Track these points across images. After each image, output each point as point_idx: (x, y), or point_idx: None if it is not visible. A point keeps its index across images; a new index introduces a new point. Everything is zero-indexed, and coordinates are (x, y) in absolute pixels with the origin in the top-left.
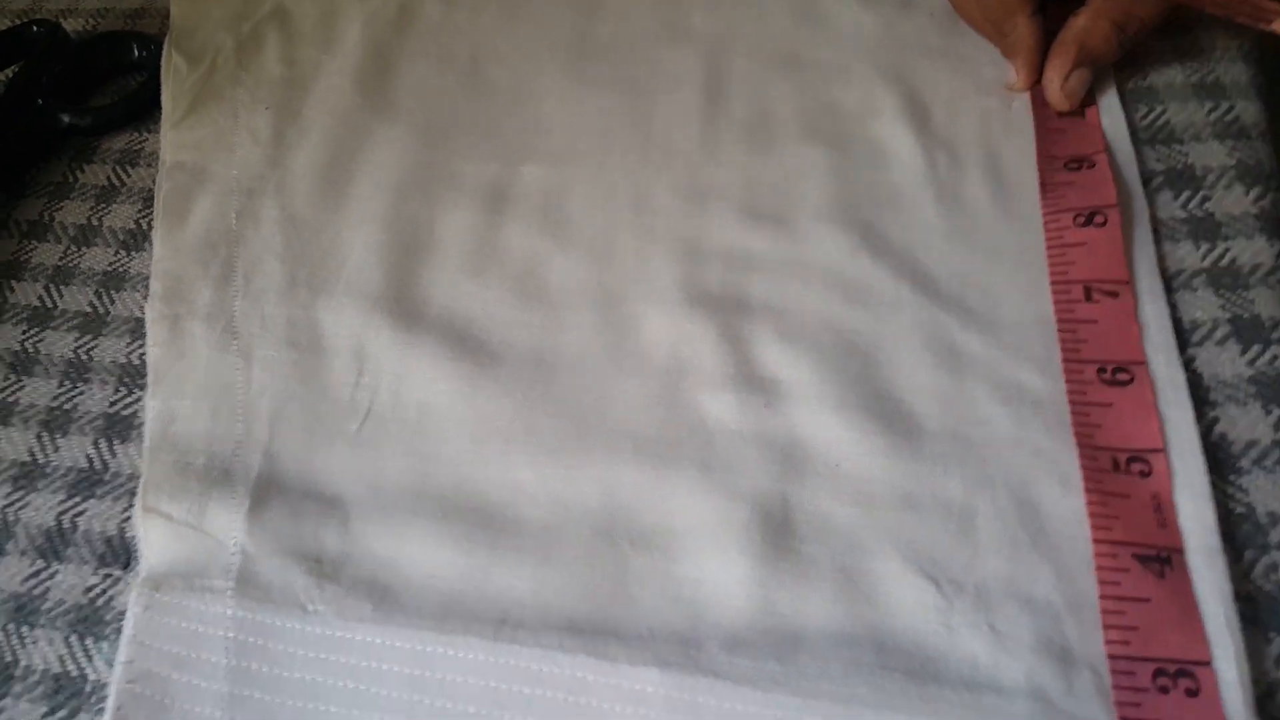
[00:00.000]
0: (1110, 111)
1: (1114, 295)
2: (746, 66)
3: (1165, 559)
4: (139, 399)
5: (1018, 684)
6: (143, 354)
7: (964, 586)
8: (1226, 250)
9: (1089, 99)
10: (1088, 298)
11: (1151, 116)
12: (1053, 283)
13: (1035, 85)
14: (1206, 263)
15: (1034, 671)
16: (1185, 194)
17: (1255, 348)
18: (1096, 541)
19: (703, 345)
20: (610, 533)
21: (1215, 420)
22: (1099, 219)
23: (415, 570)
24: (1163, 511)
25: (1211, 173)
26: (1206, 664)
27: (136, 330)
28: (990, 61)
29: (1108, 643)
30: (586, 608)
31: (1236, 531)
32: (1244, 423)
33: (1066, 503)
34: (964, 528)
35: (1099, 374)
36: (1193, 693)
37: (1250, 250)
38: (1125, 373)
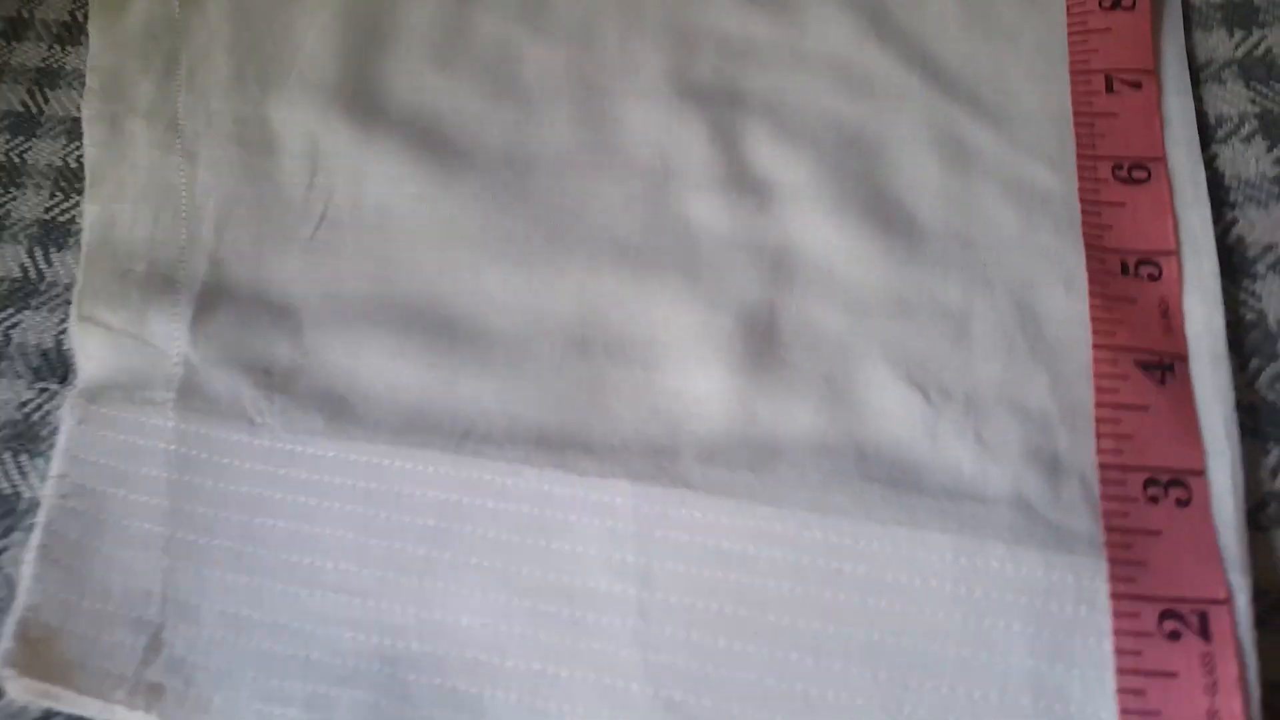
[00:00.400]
0: None
1: (1136, 86)
2: None
3: (1168, 366)
4: (76, 204)
5: (1002, 493)
6: (79, 156)
7: (953, 394)
8: (1263, 39)
9: None
10: (1109, 88)
11: None
12: (1072, 72)
13: None
14: (1240, 52)
15: (1020, 480)
16: None
17: None
18: (1097, 347)
19: (692, 143)
20: (585, 343)
21: (1234, 221)
22: (1126, 2)
23: (373, 382)
24: (1169, 316)
25: None
26: (1200, 473)
27: (73, 131)
28: None
29: (1100, 451)
30: (557, 420)
31: (1245, 338)
32: (1263, 225)
33: (1069, 307)
34: (959, 333)
35: (1114, 171)
36: (1183, 502)
37: None
38: (1142, 170)
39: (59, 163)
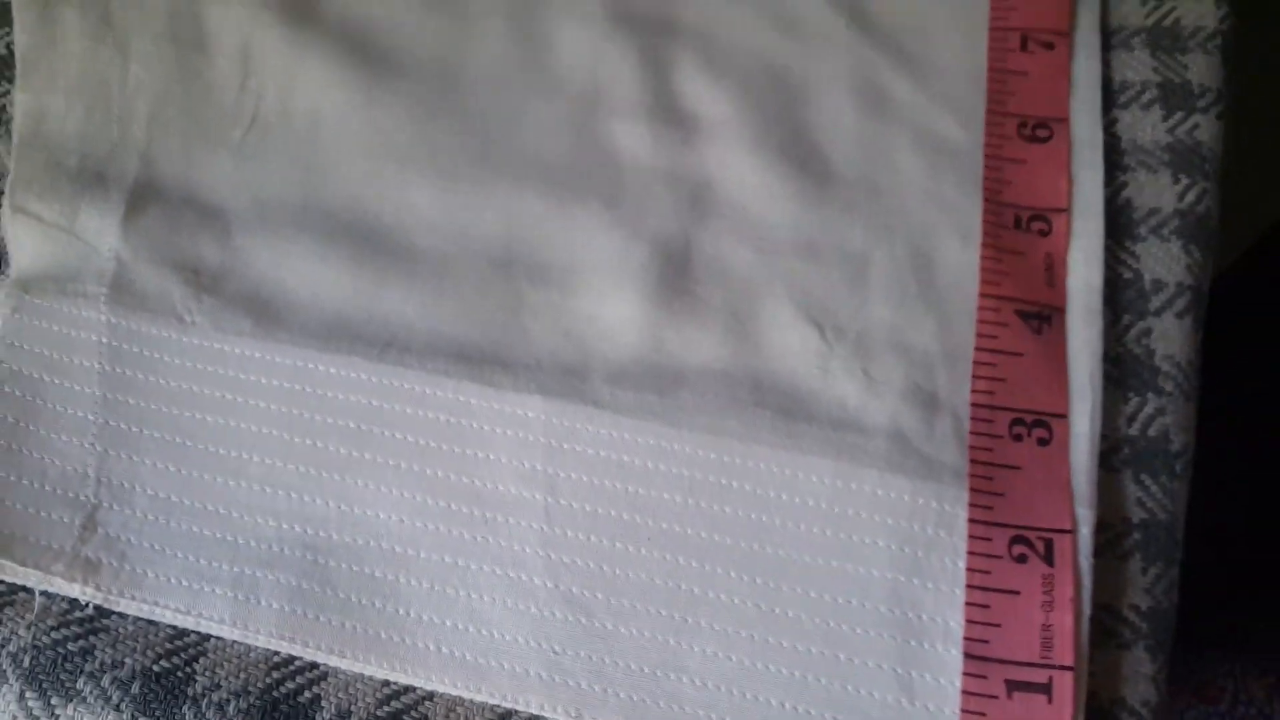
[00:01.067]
0: None
1: (1049, 47)
2: None
3: (1046, 316)
4: (6, 91)
5: (880, 425)
6: (9, 42)
7: (846, 333)
8: (1173, 9)
9: None
10: (1023, 47)
11: None
12: (991, 29)
13: None
14: (1150, 20)
15: (898, 414)
16: None
17: (1179, 114)
18: (983, 295)
19: (622, 69)
20: (507, 263)
21: (1124, 185)
22: None
23: (299, 287)
24: (1053, 270)
25: None
26: (1063, 416)
27: (3, 16)
28: None
29: (974, 392)
30: (476, 336)
31: (1120, 295)
32: (1151, 189)
33: (962, 256)
34: (858, 276)
35: (1019, 129)
36: (1044, 441)
37: (1196, 11)
38: (1045, 129)
39: None
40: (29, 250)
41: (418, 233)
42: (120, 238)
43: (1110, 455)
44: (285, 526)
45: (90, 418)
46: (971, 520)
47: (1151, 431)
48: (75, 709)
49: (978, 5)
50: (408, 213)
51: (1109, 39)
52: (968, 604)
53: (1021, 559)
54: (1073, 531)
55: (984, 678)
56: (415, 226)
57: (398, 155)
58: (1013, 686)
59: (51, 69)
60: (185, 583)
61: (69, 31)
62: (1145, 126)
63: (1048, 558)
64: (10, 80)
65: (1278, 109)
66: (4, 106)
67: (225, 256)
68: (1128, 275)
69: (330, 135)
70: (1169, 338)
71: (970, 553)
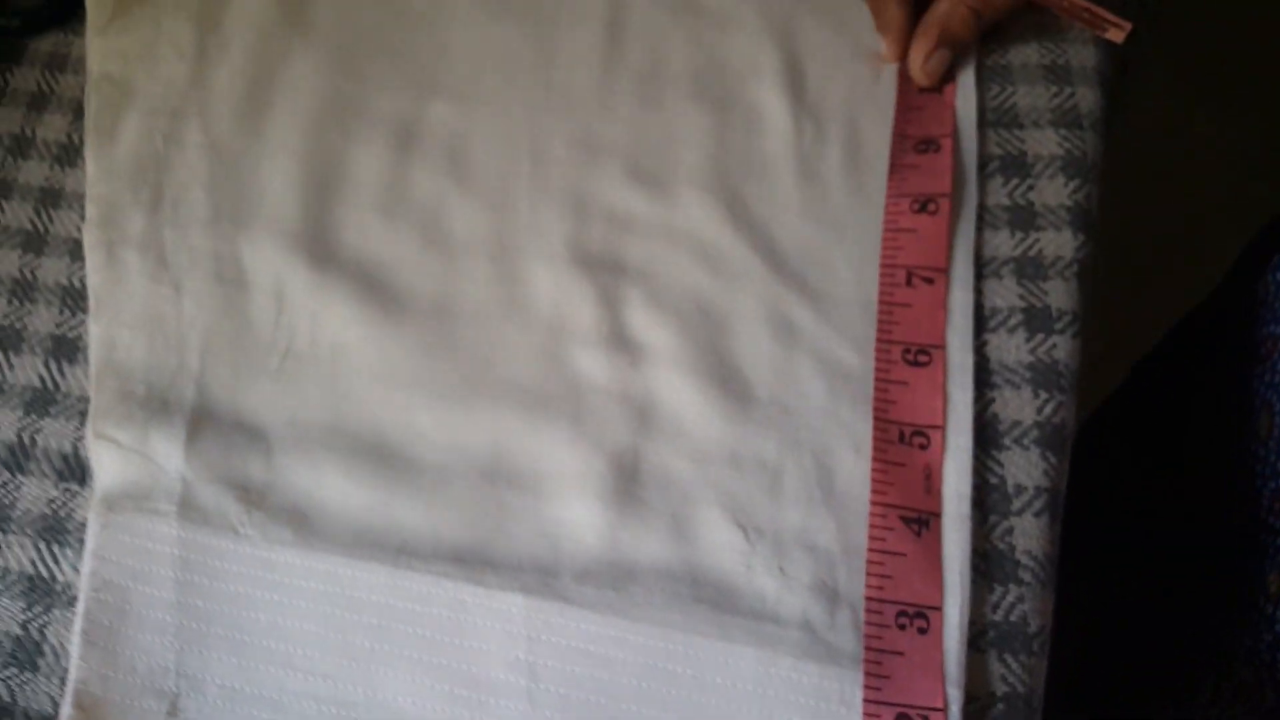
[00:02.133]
0: (965, 91)
1: (930, 281)
2: (647, 7)
3: (925, 521)
4: (82, 321)
5: (793, 617)
6: (83, 276)
7: (765, 534)
8: (1036, 241)
9: (949, 75)
10: (908, 282)
11: (1001, 98)
12: (882, 266)
13: (903, 59)
14: (1017, 252)
15: (807, 607)
16: (1014, 181)
17: (1039, 336)
18: (873, 503)
19: (582, 304)
20: (493, 474)
21: (991, 400)
22: (931, 207)
23: (329, 501)
24: (931, 480)
25: (1041, 161)
26: (938, 608)
27: (75, 251)
28: (870, 28)
29: (867, 587)
30: (469, 539)
31: (987, 499)
32: (1014, 404)
33: (857, 467)
34: (773, 484)
35: (904, 355)
36: (923, 630)
37: (1056, 242)
38: (925, 355)
39: (65, 281)
40: (111, 471)
41: (422, 449)
42: (184, 460)
43: (978, 638)
44: (325, 709)
45: (168, 619)
46: (866, 700)
47: (1013, 617)
48: None
49: (871, 245)
50: (412, 433)
51: (982, 269)
52: None
53: None
54: (944, 709)
55: None
56: (419, 443)
57: (404, 382)
58: None
59: (118, 303)
60: None
61: (131, 271)
62: (1010, 348)
63: None
64: (84, 310)
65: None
66: (80, 335)
67: (269, 474)
68: (994, 480)
69: (350, 365)
70: (1028, 534)
71: None
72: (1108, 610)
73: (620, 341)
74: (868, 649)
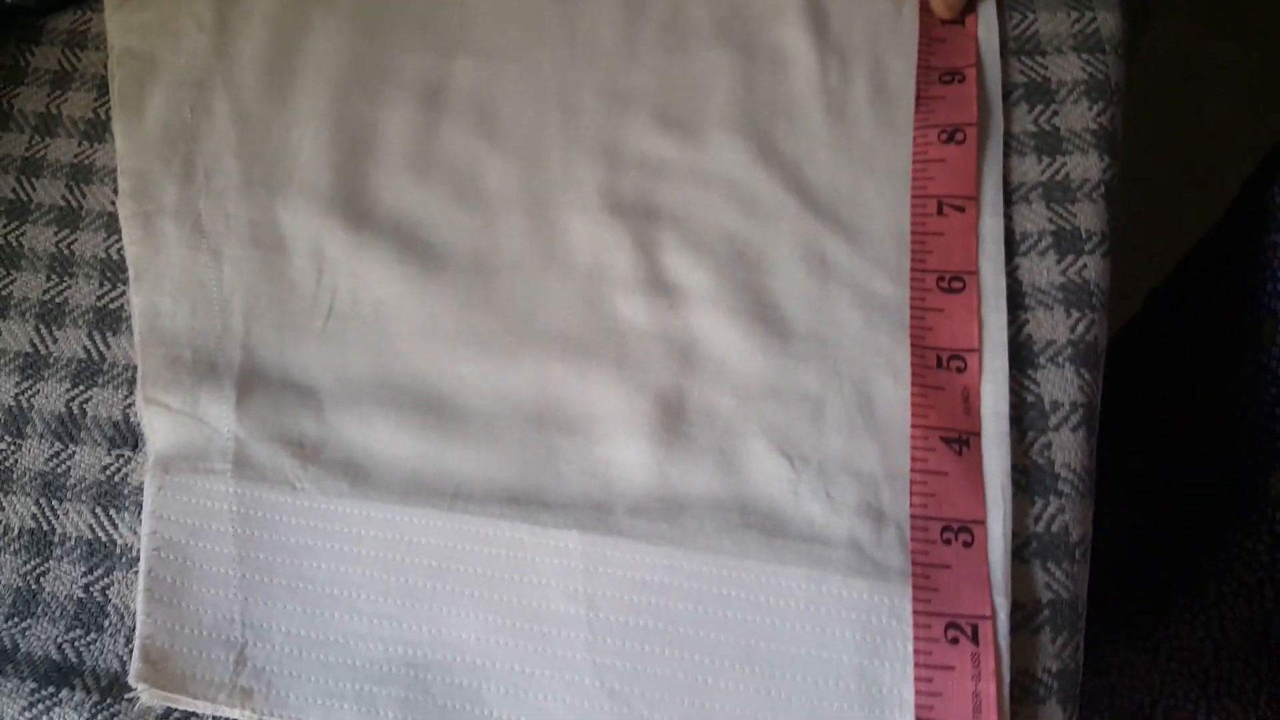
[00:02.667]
0: (987, 21)
1: (961, 210)
2: None
3: (965, 440)
4: (123, 293)
5: (842, 537)
6: (120, 248)
7: (810, 461)
8: (1063, 165)
9: (970, 6)
10: (939, 211)
11: (1023, 26)
12: (913, 196)
13: None
14: (1045, 177)
15: (854, 527)
16: (1039, 108)
17: (1070, 257)
18: (914, 426)
19: (619, 251)
20: (541, 420)
21: (1025, 322)
22: (959, 136)
23: (382, 452)
24: (969, 401)
25: (1064, 86)
26: (981, 522)
27: (111, 225)
28: None
29: (912, 505)
30: (522, 482)
31: (1024, 416)
32: (1048, 324)
33: (896, 394)
34: (815, 414)
35: (938, 282)
36: (968, 544)
37: (1083, 165)
38: (959, 281)
39: (103, 254)
40: (163, 435)
41: (469, 399)
42: (235, 420)
43: (1021, 549)
44: (391, 649)
45: (231, 573)
46: (915, 612)
47: (1054, 527)
48: None
49: (902, 175)
50: (459, 383)
51: (1010, 195)
52: (916, 679)
53: (954, 641)
54: (992, 617)
55: None
56: (467, 394)
57: (447, 335)
58: None
59: (158, 273)
60: (319, 701)
61: (169, 241)
62: (1042, 270)
63: (974, 639)
64: (125, 282)
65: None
66: (122, 306)
67: (321, 430)
68: (1030, 399)
69: (393, 321)
70: (1066, 448)
71: (915, 638)
72: (1121, 520)
73: (658, 285)
74: (915, 564)
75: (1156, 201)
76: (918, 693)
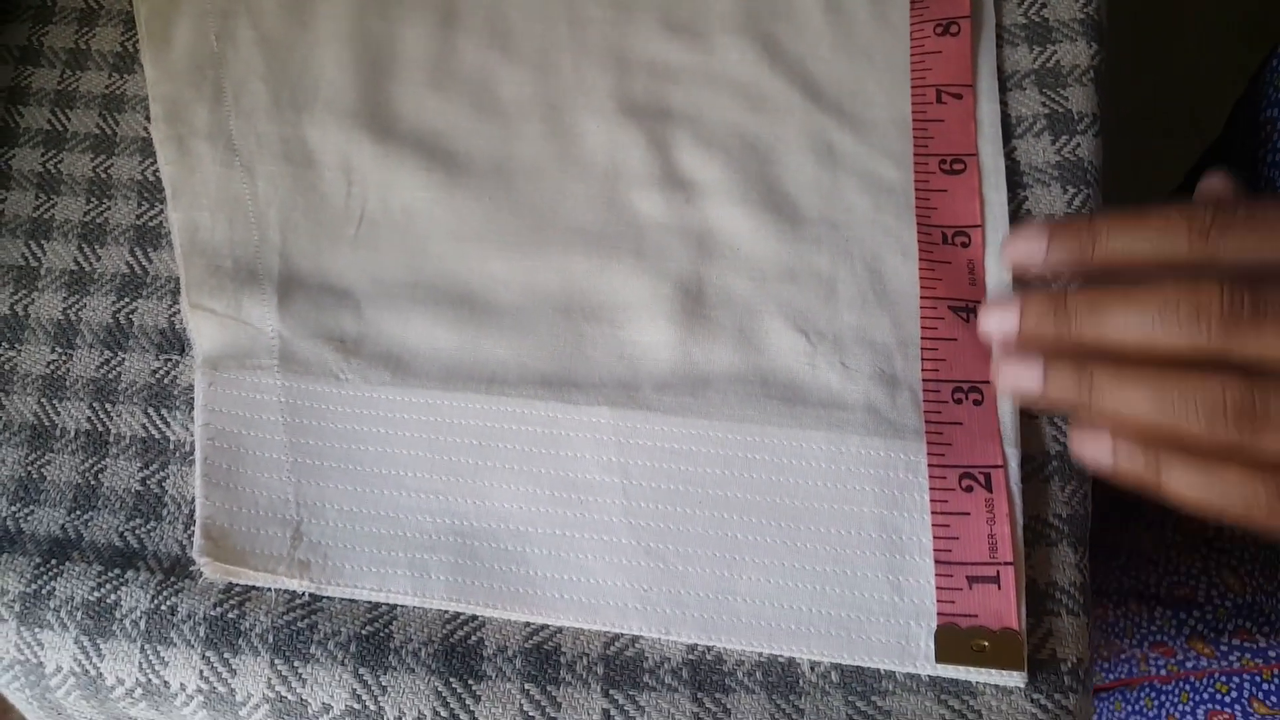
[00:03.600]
0: None
1: (958, 97)
2: None
3: (971, 308)
4: (161, 211)
5: (858, 401)
6: (155, 171)
7: (826, 335)
8: (1054, 53)
9: None
10: (938, 99)
11: None
12: (912, 87)
13: None
14: (1036, 65)
15: (870, 392)
16: (1028, 1)
17: (1064, 137)
18: (923, 297)
19: (633, 151)
20: (568, 309)
21: (1024, 199)
22: (954, 29)
23: (420, 345)
24: (975, 272)
25: None
26: (989, 382)
27: (145, 149)
28: None
29: (923, 370)
30: (553, 367)
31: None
32: (1045, 199)
33: (905, 269)
34: (829, 292)
35: (940, 165)
36: (978, 402)
37: (1073, 52)
38: (960, 163)
39: (139, 177)
40: (209, 337)
41: (500, 293)
42: (279, 320)
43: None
44: (439, 520)
45: (283, 458)
46: (930, 465)
47: None
48: (312, 669)
49: (900, 66)
50: (489, 279)
51: (1005, 83)
52: (934, 525)
53: (969, 489)
54: (1004, 466)
55: (950, 576)
56: (497, 289)
57: (475, 236)
58: (972, 580)
59: (195, 190)
60: (374, 569)
61: (203, 160)
62: (1038, 150)
63: (988, 486)
64: (161, 202)
65: None
66: (160, 224)
67: (361, 327)
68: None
69: (422, 225)
70: None
71: (932, 488)
72: None
73: (673, 181)
74: (929, 422)
75: (1159, 116)
76: (936, 538)
